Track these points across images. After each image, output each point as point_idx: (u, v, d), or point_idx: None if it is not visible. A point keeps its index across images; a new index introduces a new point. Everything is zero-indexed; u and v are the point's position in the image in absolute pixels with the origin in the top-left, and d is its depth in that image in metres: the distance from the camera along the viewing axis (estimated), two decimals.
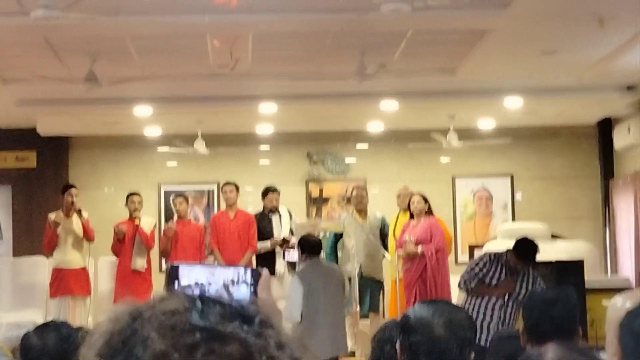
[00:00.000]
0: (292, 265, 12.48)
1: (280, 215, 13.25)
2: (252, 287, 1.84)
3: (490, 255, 9.15)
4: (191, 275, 1.84)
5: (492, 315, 8.86)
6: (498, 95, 13.07)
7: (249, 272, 1.93)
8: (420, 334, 3.19)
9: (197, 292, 1.62)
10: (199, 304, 1.22)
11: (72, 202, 12.68)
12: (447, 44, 10.70)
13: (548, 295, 4.35)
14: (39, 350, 4.49)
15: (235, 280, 1.84)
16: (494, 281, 8.90)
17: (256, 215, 13.23)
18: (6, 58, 10.87)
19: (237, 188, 13.27)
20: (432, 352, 3.16)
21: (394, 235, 12.49)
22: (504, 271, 8.92)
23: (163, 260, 14.02)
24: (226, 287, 1.83)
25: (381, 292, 12.98)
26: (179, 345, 1.16)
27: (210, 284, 1.85)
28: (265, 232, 13.06)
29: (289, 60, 11.37)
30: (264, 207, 13.34)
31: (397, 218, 12.79)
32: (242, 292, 1.82)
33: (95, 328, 1.24)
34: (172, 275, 1.86)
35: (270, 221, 13.17)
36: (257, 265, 12.60)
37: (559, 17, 9.23)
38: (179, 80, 11.97)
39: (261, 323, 1.21)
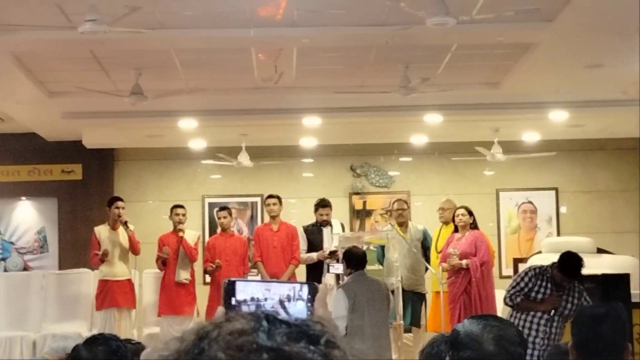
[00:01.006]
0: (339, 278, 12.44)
1: (332, 228, 13.22)
2: (309, 303, 1.84)
3: (535, 269, 9.06)
4: (247, 291, 1.84)
5: (537, 330, 8.78)
6: (543, 108, 12.99)
7: (305, 287, 1.92)
8: (470, 350, 3.17)
9: (253, 307, 1.62)
10: (265, 323, 1.22)
11: (119, 215, 12.75)
12: (492, 57, 10.67)
13: (597, 311, 4.30)
14: None
15: (292, 296, 1.84)
16: (539, 296, 8.83)
17: (307, 227, 13.24)
18: (53, 72, 10.99)
19: (280, 201, 13.28)
20: None
21: (436, 248, 12.45)
22: (549, 286, 8.84)
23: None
24: (282, 303, 1.83)
25: (423, 304, 12.92)
26: None
27: (266, 299, 1.86)
28: (315, 244, 13.06)
29: (333, 73, 11.39)
30: (315, 220, 13.35)
31: (440, 231, 12.73)
32: (298, 308, 1.82)
33: (163, 347, 1.25)
34: (229, 290, 1.86)
35: (320, 233, 13.14)
36: (306, 278, 12.59)
37: (604, 31, 9.18)
38: (223, 93, 12.02)
39: (327, 343, 1.22)
